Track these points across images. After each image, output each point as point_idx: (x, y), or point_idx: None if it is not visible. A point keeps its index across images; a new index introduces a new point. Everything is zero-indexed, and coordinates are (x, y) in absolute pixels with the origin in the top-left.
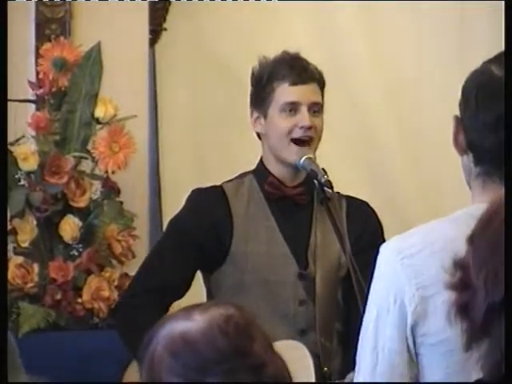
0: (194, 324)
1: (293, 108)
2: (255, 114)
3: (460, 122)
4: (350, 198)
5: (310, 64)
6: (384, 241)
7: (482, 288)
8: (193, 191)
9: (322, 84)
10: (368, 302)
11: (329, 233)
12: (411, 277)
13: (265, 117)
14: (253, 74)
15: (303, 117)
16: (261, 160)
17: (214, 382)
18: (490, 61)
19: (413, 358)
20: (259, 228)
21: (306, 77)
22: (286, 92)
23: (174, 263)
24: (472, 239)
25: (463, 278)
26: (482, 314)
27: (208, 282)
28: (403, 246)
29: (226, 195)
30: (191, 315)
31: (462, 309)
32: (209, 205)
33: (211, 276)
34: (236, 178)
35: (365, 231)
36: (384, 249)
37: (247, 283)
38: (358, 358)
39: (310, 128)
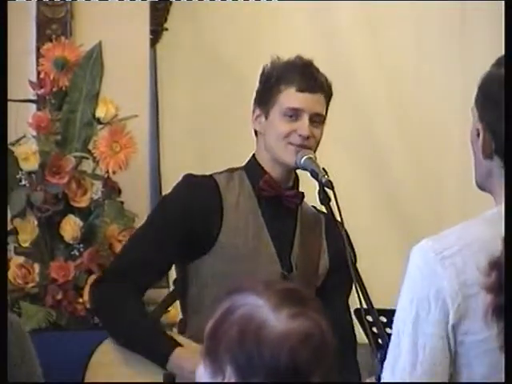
0: (276, 322)
1: (295, 114)
2: (257, 112)
3: (486, 126)
4: (326, 215)
5: (320, 74)
6: (355, 264)
7: None
8: (186, 176)
9: (328, 96)
10: (402, 303)
11: (309, 243)
12: (453, 276)
13: (266, 116)
14: (263, 71)
15: (303, 125)
16: (253, 157)
17: (258, 382)
18: None
19: (452, 358)
20: (248, 223)
21: (314, 86)
22: (291, 97)
23: (159, 244)
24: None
25: (499, 279)
26: None
27: (183, 271)
28: (441, 247)
29: (218, 185)
30: (278, 308)
31: (499, 310)
32: (201, 192)
33: (190, 263)
34: (225, 171)
35: (340, 249)
36: (419, 250)
37: (230, 275)
38: (389, 360)
39: (307, 138)
